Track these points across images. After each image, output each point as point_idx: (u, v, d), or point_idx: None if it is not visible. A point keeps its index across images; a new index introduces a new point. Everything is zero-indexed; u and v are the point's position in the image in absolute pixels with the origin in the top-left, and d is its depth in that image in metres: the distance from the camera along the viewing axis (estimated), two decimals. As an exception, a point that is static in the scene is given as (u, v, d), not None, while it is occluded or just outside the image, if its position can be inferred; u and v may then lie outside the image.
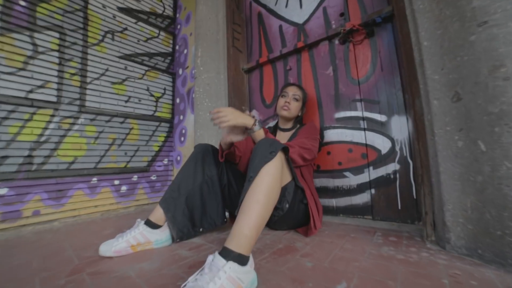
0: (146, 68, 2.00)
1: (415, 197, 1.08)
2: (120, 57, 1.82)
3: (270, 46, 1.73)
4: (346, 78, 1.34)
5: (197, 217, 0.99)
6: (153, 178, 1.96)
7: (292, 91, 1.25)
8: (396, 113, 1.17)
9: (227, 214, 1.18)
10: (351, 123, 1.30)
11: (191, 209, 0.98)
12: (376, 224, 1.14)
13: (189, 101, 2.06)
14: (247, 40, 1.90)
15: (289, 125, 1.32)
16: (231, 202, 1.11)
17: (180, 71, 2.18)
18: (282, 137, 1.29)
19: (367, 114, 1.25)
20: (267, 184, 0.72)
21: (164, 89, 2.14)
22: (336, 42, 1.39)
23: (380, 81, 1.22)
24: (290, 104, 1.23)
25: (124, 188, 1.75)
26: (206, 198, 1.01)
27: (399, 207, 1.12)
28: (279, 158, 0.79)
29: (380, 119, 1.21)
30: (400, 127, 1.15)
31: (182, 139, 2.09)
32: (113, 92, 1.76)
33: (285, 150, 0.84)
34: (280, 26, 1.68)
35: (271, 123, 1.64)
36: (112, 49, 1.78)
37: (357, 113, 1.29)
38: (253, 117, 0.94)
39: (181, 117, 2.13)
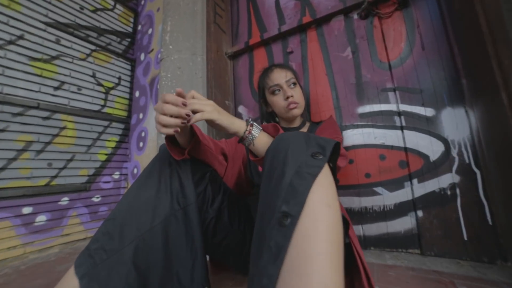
0: (93, 47, 1.46)
1: (490, 221, 0.75)
2: (47, 24, 1.27)
3: (263, 25, 1.35)
4: (371, 62, 1.01)
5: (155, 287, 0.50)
6: (96, 199, 1.37)
7: (282, 77, 0.86)
8: (448, 104, 0.86)
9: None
10: (382, 119, 0.96)
11: (144, 273, 0.49)
12: (431, 263, 0.77)
13: (153, 94, 1.55)
14: (232, 19, 1.50)
15: (297, 122, 0.93)
16: (219, 251, 0.65)
17: (142, 56, 1.68)
18: None
19: (405, 108, 0.93)
20: (327, 225, 0.31)
21: (119, 78, 1.61)
22: (355, 16, 1.07)
23: (422, 64, 0.91)
24: (295, 97, 0.84)
25: (41, 218, 1.14)
26: (173, 247, 0.52)
27: (465, 237, 0.78)
28: (328, 166, 0.39)
29: (424, 114, 0.89)
30: (457, 123, 0.84)
31: (141, 144, 1.56)
32: (31, 72, 1.18)
33: (336, 148, 0.43)
34: (277, 1, 1.33)
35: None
36: (34, 10, 1.22)
37: (390, 106, 0.96)
38: (248, 120, 0.58)
39: (141, 116, 1.60)
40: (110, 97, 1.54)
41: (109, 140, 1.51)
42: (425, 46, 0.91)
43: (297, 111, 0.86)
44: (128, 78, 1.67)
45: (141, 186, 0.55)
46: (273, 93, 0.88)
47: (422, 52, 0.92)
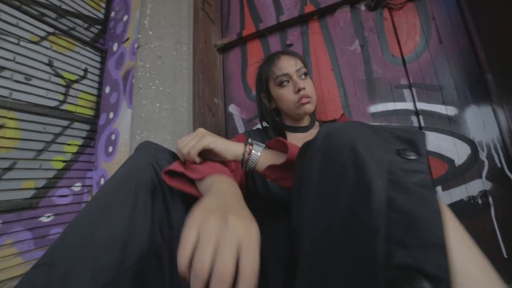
0: (50, 29, 1.21)
1: (532, 236, 0.65)
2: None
3: (258, 16, 1.22)
4: (382, 56, 0.91)
5: None
6: (46, 219, 1.09)
7: (291, 66, 0.71)
8: (473, 102, 0.77)
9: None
10: (397, 119, 0.85)
11: None
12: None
13: (127, 90, 1.32)
14: (222, 9, 1.35)
15: (305, 121, 0.78)
16: None
17: (115, 47, 1.44)
18: (299, 143, 0.74)
19: (423, 106, 0.83)
20: None
21: (85, 70, 1.35)
22: (363, 7, 0.98)
23: (440, 59, 0.83)
24: (307, 90, 0.70)
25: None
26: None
27: (504, 254, 0.67)
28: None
29: (446, 113, 0.80)
30: (483, 122, 0.75)
31: (111, 149, 1.31)
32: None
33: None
34: (273, -9, 1.20)
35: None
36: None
37: (406, 105, 0.85)
38: (248, 143, 0.51)
39: (111, 115, 1.35)
40: (72, 92, 1.28)
41: (69, 144, 1.24)
42: (443, 40, 0.83)
43: (310, 107, 0.71)
44: (97, 71, 1.42)
45: (105, 206, 0.35)
46: (280, 84, 0.72)
47: (440, 46, 0.83)
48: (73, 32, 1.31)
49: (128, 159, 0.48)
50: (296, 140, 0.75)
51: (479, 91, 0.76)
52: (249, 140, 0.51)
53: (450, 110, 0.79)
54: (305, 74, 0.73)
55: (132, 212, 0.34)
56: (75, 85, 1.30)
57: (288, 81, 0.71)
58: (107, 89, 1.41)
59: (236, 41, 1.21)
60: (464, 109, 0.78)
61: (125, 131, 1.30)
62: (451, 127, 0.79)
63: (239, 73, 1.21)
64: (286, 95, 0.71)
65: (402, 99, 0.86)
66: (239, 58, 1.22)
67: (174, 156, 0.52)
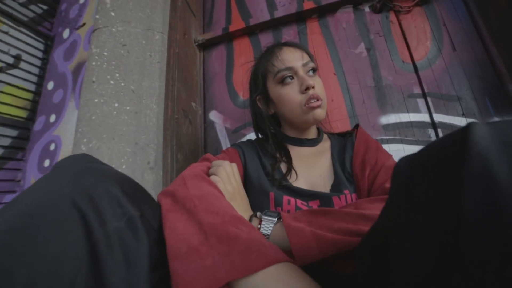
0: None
1: None
2: None
3: (247, 11, 1.06)
4: (391, 61, 0.81)
5: None
6: None
7: (297, 59, 0.56)
8: (495, 114, 0.69)
9: None
10: (413, 133, 0.74)
11: None
12: None
13: (77, 87, 1.03)
14: (205, 3, 1.18)
15: (312, 132, 0.62)
16: None
17: (66, 33, 1.15)
18: (307, 160, 0.58)
19: (441, 118, 0.73)
20: None
21: (17, 57, 1.04)
22: (367, 9, 0.88)
23: (455, 67, 0.75)
24: (317, 89, 0.54)
25: None
26: None
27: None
28: None
29: (467, 126, 0.70)
30: (511, 139, 0.66)
31: (47, 163, 0.98)
32: None
33: None
34: (265, -14, 1.07)
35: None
36: None
37: (422, 116, 0.75)
38: (254, 215, 0.41)
39: (53, 118, 1.04)
40: (-5, 85, 0.95)
41: (-19, 154, 0.89)
42: (456, 47, 0.76)
43: (321, 112, 0.55)
44: (38, 62, 1.11)
45: None
46: (282, 81, 0.55)
47: (454, 54, 0.76)
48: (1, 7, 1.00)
49: (34, 186, 0.24)
50: (302, 157, 0.58)
51: (502, 102, 0.69)
52: (257, 214, 0.41)
53: (472, 124, 0.70)
54: (314, 70, 0.57)
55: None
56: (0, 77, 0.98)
57: (293, 78, 0.55)
58: (50, 85, 1.10)
59: (220, 37, 1.03)
60: (486, 121, 0.69)
61: (70, 140, 1.00)
62: (474, 142, 0.69)
63: (223, 74, 1.02)
64: (289, 95, 0.54)
65: (416, 109, 0.75)
66: (224, 57, 1.04)
67: (135, 191, 0.29)
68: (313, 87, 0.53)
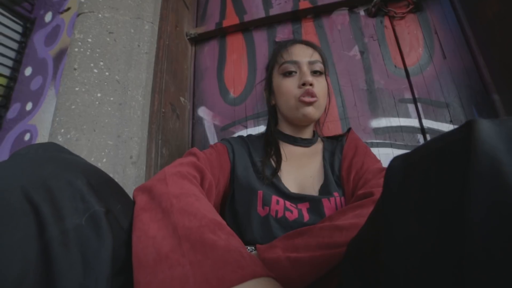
0: None
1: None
2: None
3: (241, 7, 1.04)
4: (384, 66, 0.82)
5: None
6: None
7: (305, 55, 0.56)
8: (482, 123, 0.70)
9: None
10: (402, 137, 0.74)
11: None
12: None
13: (58, 74, 0.97)
14: (199, -4, 1.15)
15: (308, 132, 0.62)
16: None
17: (48, 17, 1.08)
18: (299, 160, 0.57)
19: (430, 124, 0.73)
20: None
21: (-7, 40, 0.96)
22: (362, 13, 0.89)
23: (445, 74, 0.76)
24: (315, 87, 0.54)
25: None
26: None
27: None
28: None
29: (454, 133, 0.71)
30: (495, 147, 0.68)
31: (21, 153, 0.91)
32: None
33: None
34: (262, -17, 1.06)
35: (248, 129, 0.89)
36: None
37: (411, 122, 0.75)
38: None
39: (29, 106, 0.97)
40: (-36, 67, 0.88)
41: None
42: (446, 55, 0.77)
43: (313, 111, 0.54)
44: (15, 45, 1.03)
45: None
46: (284, 73, 0.56)
47: (444, 61, 0.77)
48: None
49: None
50: (294, 157, 0.57)
51: (487, 111, 0.70)
52: (248, 248, 0.37)
53: (459, 131, 0.71)
54: (320, 72, 0.57)
55: None
56: (-28, 58, 0.90)
57: (296, 72, 0.55)
58: (28, 71, 1.03)
59: (213, 31, 1.00)
60: (473, 130, 0.70)
61: (48, 130, 0.94)
62: (461, 149, 0.70)
63: (214, 69, 0.99)
64: (287, 87, 0.55)
65: (407, 114, 0.76)
66: (216, 52, 1.01)
67: (105, 185, 0.26)
68: (311, 84, 0.53)
